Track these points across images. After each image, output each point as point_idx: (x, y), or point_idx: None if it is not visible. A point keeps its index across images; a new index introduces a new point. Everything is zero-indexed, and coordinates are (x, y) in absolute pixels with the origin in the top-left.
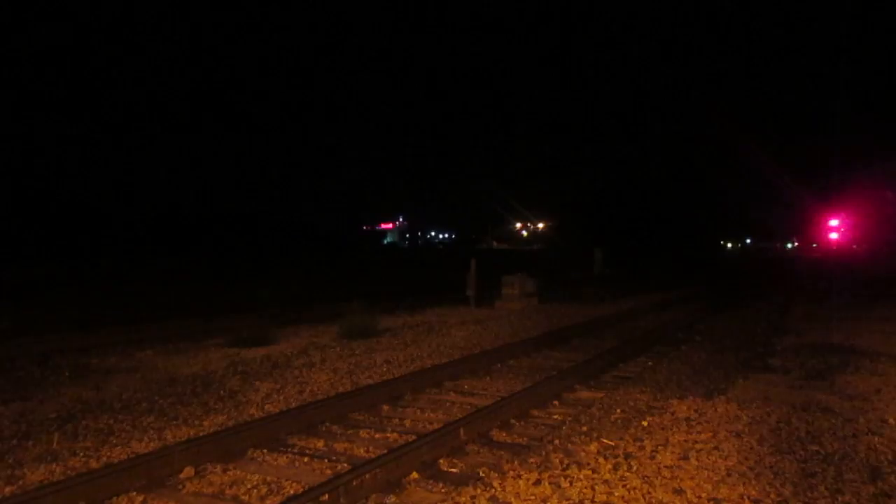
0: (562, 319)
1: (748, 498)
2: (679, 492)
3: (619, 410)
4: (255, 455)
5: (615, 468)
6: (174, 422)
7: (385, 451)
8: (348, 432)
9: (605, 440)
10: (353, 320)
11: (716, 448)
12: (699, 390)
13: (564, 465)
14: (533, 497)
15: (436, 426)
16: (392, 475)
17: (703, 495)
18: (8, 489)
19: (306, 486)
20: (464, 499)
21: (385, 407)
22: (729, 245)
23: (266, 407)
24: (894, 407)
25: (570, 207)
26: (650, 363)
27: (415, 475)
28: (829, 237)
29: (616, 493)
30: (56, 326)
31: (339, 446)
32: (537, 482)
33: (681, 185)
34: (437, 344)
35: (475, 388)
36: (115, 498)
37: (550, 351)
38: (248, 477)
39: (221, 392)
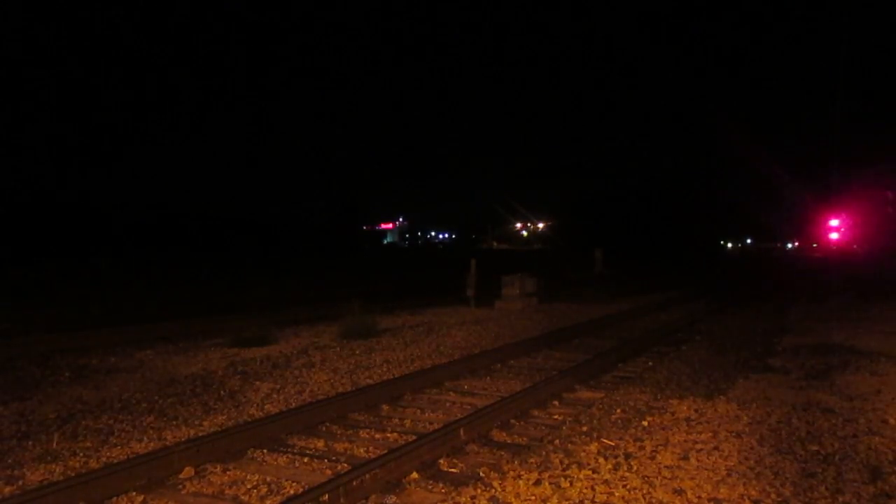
0: (562, 319)
1: (748, 498)
2: (679, 492)
3: (619, 410)
4: (255, 455)
5: (615, 468)
6: (174, 422)
7: (385, 452)
8: (348, 432)
9: (605, 440)
10: (353, 320)
11: (716, 448)
12: (699, 390)
13: (564, 466)
14: (533, 497)
15: (436, 426)
16: (392, 475)
17: (704, 495)
18: (8, 489)
19: (306, 487)
20: (464, 499)
21: (385, 407)
22: (729, 245)
23: (266, 407)
24: (894, 407)
25: (570, 207)
26: (650, 363)
27: (415, 475)
28: (830, 237)
29: (616, 494)
30: (56, 326)
31: (339, 446)
32: (537, 482)
33: (681, 185)
34: (437, 344)
35: (475, 388)
36: (115, 498)
37: (550, 351)
38: (248, 477)
39: (221, 392)
